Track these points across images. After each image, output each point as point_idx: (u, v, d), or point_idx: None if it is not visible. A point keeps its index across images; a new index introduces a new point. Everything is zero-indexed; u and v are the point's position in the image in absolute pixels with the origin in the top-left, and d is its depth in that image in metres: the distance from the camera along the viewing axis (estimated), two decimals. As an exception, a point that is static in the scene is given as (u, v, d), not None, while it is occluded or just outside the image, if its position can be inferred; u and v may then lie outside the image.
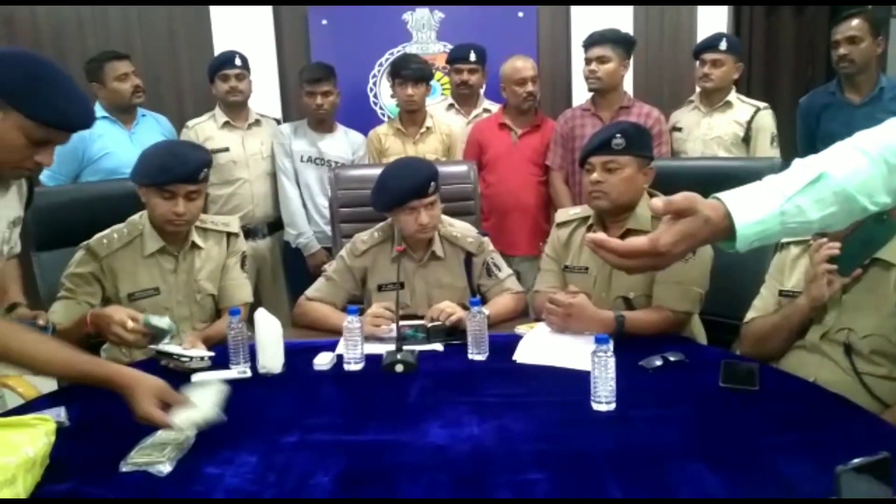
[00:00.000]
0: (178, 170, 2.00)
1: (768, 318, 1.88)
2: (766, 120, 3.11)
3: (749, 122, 3.10)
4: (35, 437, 1.28)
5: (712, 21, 3.76)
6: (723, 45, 3.10)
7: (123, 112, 3.15)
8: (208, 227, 2.21)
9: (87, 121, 1.53)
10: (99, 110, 3.10)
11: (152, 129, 3.23)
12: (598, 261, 2.13)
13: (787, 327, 1.81)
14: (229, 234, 2.25)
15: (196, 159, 2.06)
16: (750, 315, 1.94)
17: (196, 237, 2.17)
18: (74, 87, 1.50)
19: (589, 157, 2.09)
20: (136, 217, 2.13)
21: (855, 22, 2.94)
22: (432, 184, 2.15)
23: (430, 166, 2.22)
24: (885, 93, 2.96)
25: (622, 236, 2.10)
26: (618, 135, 2.04)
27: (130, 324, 1.78)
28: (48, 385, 1.92)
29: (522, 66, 3.20)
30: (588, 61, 3.08)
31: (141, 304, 2.07)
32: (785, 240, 1.94)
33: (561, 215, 2.30)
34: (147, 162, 2.05)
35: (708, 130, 3.15)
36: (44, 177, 3.10)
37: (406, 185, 2.15)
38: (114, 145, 3.07)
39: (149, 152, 2.09)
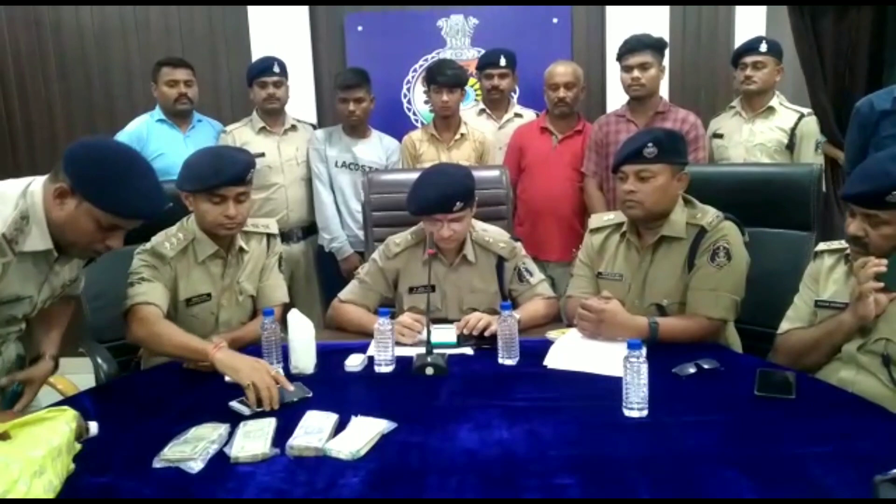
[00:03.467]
0: (228, 171, 2.01)
1: (807, 331, 1.83)
2: (811, 126, 3.05)
3: (793, 129, 3.04)
4: (56, 428, 1.32)
5: (750, 25, 3.70)
6: (763, 47, 3.05)
7: (177, 116, 3.26)
8: (249, 229, 2.22)
9: (152, 212, 1.65)
10: (157, 113, 3.27)
11: (207, 133, 3.33)
12: (633, 268, 2.12)
13: (829, 343, 1.77)
14: (269, 236, 2.28)
15: (242, 160, 2.08)
16: (785, 326, 1.89)
17: (241, 241, 2.19)
18: (145, 178, 1.63)
19: (621, 166, 2.06)
20: (184, 221, 2.13)
21: None
22: (458, 203, 2.13)
23: (462, 182, 2.17)
24: None
25: (657, 243, 2.08)
26: (650, 143, 2.01)
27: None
28: (86, 382, 1.97)
29: (560, 71, 3.19)
30: (629, 69, 3.02)
31: (194, 310, 2.10)
32: (819, 248, 1.91)
33: (594, 221, 2.29)
34: (194, 168, 2.06)
35: (751, 137, 3.10)
36: None
37: (432, 198, 2.15)
38: (168, 147, 3.18)
39: (193, 160, 2.09)
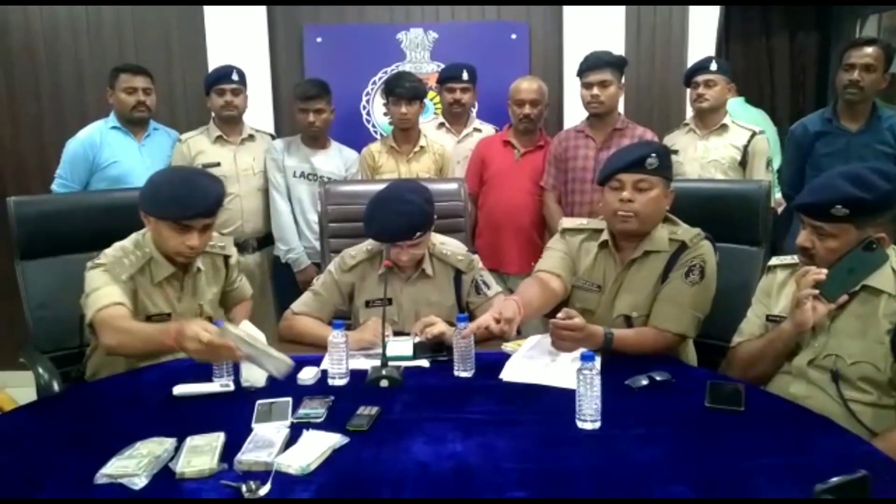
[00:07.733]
0: (200, 204, 1.96)
1: (754, 342, 1.86)
2: (762, 144, 3.13)
3: (746, 146, 3.11)
4: None
5: (702, 45, 3.79)
6: (713, 66, 3.12)
7: (133, 124, 3.19)
8: (206, 249, 2.15)
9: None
10: (112, 120, 3.20)
11: (163, 142, 3.26)
12: (610, 279, 2.10)
13: (773, 352, 1.80)
14: (226, 257, 2.26)
15: (215, 193, 2.01)
16: (736, 339, 1.92)
17: (199, 262, 2.14)
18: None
19: (617, 174, 2.02)
20: (139, 237, 2.07)
21: (871, 49, 2.91)
22: (418, 233, 2.10)
23: (422, 210, 2.11)
24: (881, 122, 2.96)
25: (638, 259, 2.06)
26: (653, 154, 1.99)
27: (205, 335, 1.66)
28: (27, 396, 1.90)
29: (524, 87, 3.20)
30: (589, 86, 3.05)
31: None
32: (772, 263, 1.94)
33: (567, 222, 2.26)
34: (161, 193, 1.98)
35: (705, 153, 3.16)
36: (55, 185, 3.13)
37: (392, 227, 2.10)
38: (122, 154, 3.12)
39: (161, 182, 2.03)
